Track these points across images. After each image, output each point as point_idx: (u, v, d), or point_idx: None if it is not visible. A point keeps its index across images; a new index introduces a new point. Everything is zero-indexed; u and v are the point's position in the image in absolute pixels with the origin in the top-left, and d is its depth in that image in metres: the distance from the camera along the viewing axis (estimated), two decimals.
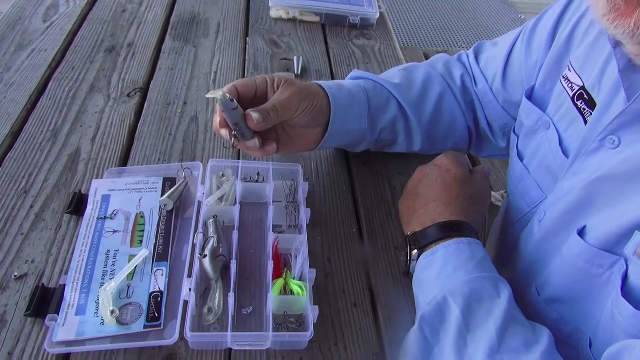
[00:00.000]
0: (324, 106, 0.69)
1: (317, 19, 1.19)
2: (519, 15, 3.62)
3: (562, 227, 0.57)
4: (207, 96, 0.59)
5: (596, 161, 0.54)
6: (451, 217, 0.63)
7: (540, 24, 0.73)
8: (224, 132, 0.63)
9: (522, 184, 0.71)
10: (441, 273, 0.57)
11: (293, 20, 1.19)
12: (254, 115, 0.60)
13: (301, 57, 1.04)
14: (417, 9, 3.53)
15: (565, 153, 0.62)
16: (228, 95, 0.58)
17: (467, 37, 3.28)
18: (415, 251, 0.63)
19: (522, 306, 0.60)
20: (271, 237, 0.64)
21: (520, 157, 0.72)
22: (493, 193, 1.12)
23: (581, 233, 0.53)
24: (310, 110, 0.66)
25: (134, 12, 1.14)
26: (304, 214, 0.68)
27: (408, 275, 0.66)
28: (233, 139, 0.62)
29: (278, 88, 0.65)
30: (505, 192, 1.12)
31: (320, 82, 0.72)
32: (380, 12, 1.21)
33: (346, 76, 0.82)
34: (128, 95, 0.90)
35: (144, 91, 0.92)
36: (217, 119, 0.63)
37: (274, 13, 1.19)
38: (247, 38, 1.11)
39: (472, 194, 0.68)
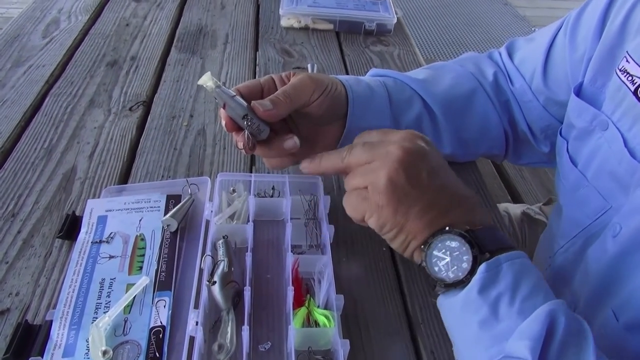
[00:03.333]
0: (342, 94, 0.61)
1: (330, 26, 1.12)
2: (532, 29, 3.57)
3: None
4: (199, 83, 0.51)
5: None
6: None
7: (584, 13, 0.65)
8: (236, 138, 0.55)
9: (578, 193, 0.62)
10: (514, 297, 0.44)
11: (305, 28, 1.12)
12: (260, 102, 0.53)
13: (315, 64, 0.97)
14: (429, 24, 3.50)
15: (633, 154, 0.53)
16: (217, 81, 0.51)
17: (481, 51, 3.23)
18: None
19: (595, 335, 0.50)
20: (290, 258, 0.56)
21: (573, 162, 0.63)
22: (529, 206, 1.02)
23: None
24: (326, 95, 0.58)
25: (137, 26, 1.08)
26: (327, 232, 0.59)
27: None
28: (247, 140, 0.53)
29: (289, 81, 0.58)
30: (544, 204, 1.03)
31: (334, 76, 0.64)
32: (397, 18, 1.14)
33: None
34: (130, 109, 0.83)
35: (147, 104, 0.85)
36: (223, 122, 0.55)
37: (284, 22, 1.12)
38: (257, 47, 1.05)
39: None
